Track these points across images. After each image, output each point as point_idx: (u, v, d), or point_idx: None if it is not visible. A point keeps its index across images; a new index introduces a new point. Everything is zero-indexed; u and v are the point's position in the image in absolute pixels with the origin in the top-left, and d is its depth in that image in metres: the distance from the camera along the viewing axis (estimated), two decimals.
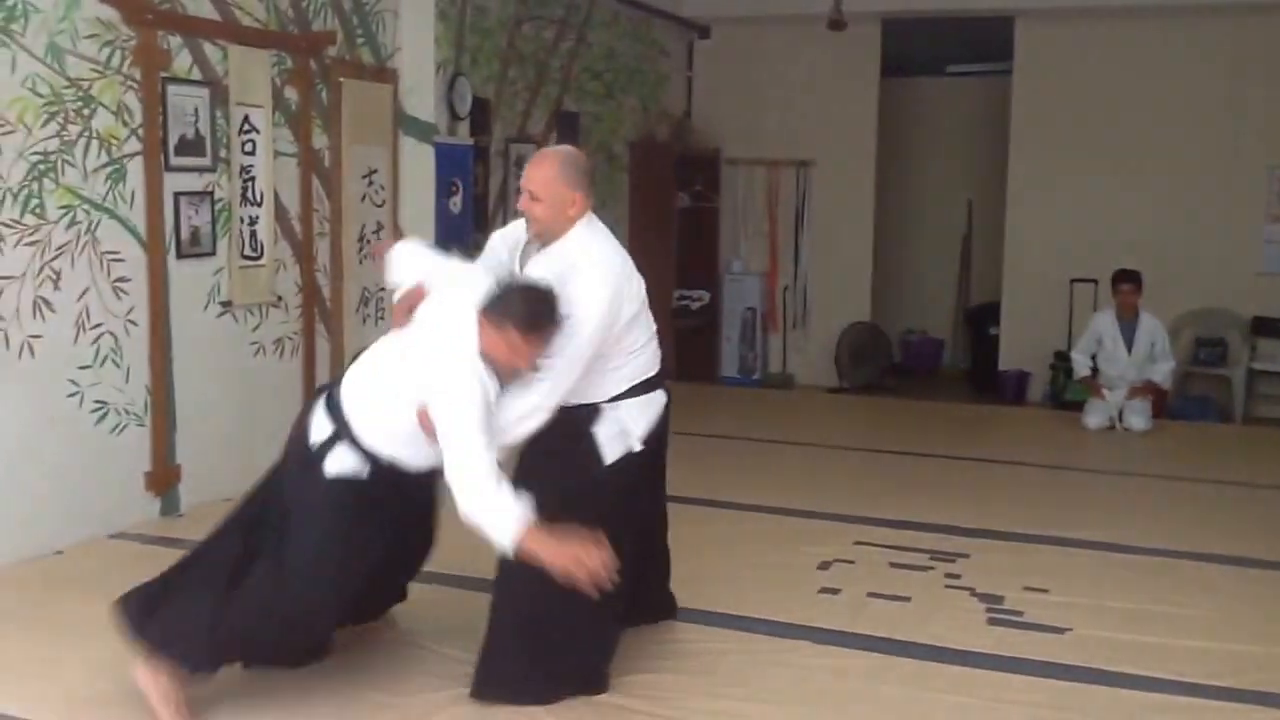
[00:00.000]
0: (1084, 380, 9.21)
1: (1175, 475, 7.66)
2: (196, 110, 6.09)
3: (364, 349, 4.25)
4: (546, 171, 4.07)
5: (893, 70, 11.56)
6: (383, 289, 7.50)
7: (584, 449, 4.07)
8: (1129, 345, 8.98)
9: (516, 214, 4.30)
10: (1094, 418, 9.01)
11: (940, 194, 12.30)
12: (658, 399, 4.25)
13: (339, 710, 3.95)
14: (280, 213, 6.70)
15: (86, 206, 5.55)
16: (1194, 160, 10.38)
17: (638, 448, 4.15)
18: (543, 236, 4.11)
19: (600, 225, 4.19)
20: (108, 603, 4.88)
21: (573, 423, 4.05)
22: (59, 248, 5.43)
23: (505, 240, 4.43)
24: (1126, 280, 8.98)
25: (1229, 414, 10.18)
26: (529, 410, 3.91)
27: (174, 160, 5.98)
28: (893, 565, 5.62)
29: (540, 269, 4.04)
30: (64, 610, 4.80)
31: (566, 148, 4.46)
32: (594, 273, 4.00)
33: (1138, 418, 8.89)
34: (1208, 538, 6.15)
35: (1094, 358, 9.11)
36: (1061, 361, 10.36)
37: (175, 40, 5.98)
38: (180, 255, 6.06)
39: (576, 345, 3.90)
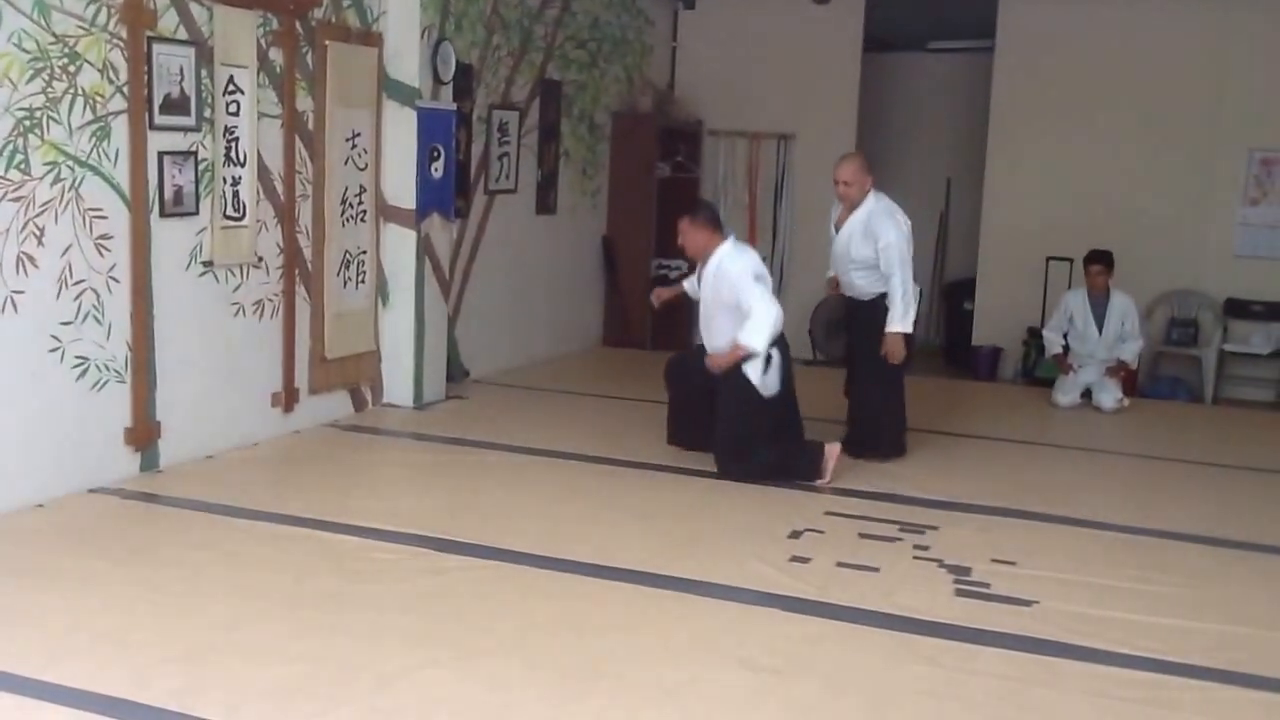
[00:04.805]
0: (1055, 358, 9.33)
1: (1144, 453, 7.77)
2: (182, 70, 6.09)
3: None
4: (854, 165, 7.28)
5: (875, 45, 11.60)
6: (363, 252, 7.54)
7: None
8: (1100, 324, 9.10)
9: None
10: (1064, 395, 9.13)
11: (919, 170, 12.34)
12: None
13: (311, 669, 4.00)
14: (263, 174, 6.71)
15: (71, 163, 5.56)
16: (1173, 141, 10.45)
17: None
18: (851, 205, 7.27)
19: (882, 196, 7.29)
20: (88, 556, 4.96)
21: None
22: (43, 204, 5.44)
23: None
24: (1097, 261, 9.09)
25: (1199, 394, 10.29)
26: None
27: (158, 119, 5.98)
28: (862, 536, 5.71)
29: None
30: (44, 562, 4.85)
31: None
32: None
33: (1107, 396, 9.01)
34: (1176, 516, 6.26)
35: (1066, 336, 9.22)
36: (1034, 338, 10.45)
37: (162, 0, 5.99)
38: (163, 214, 6.08)
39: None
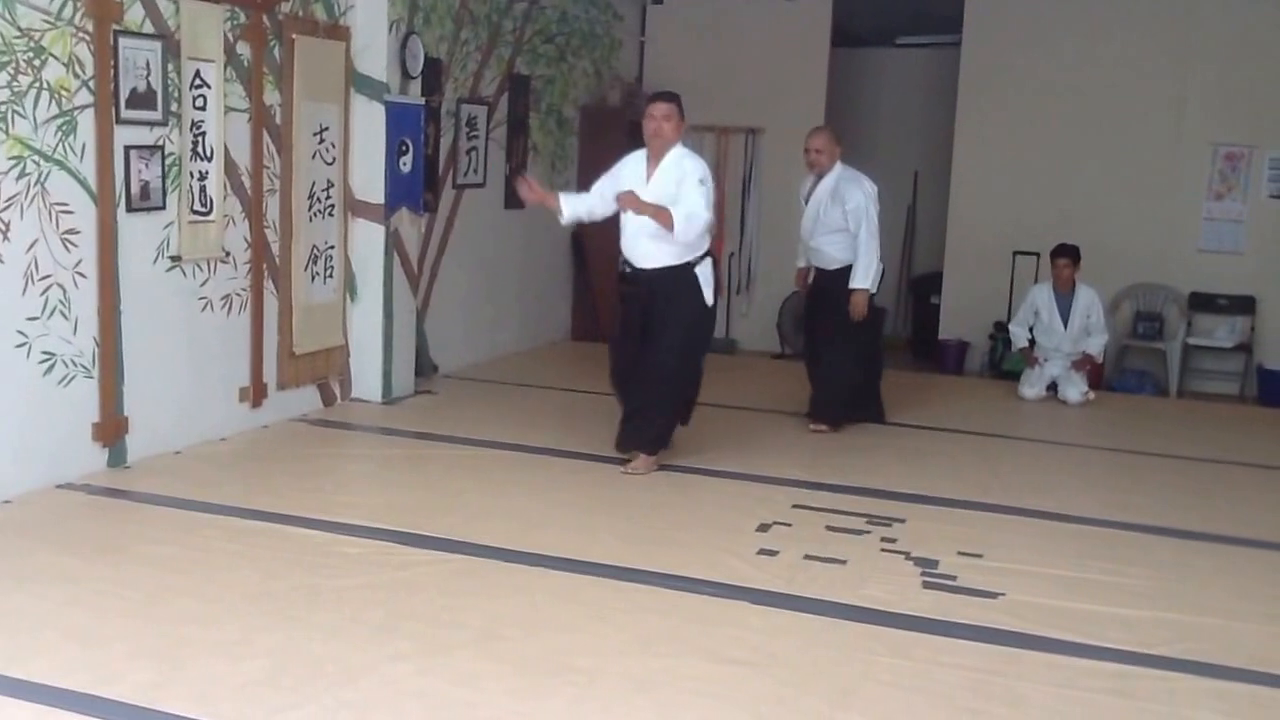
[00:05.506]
0: (1021, 351, 9.41)
1: (1109, 446, 7.84)
2: (148, 64, 6.06)
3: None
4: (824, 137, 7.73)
5: (843, 40, 11.63)
6: (331, 246, 7.53)
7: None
8: (1065, 318, 9.18)
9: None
10: (1030, 388, 9.20)
11: (887, 164, 12.31)
12: None
13: (279, 663, 4.00)
14: (231, 168, 6.69)
15: (37, 158, 5.53)
16: (1138, 137, 10.52)
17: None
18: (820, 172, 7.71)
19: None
20: (55, 552, 4.93)
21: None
22: (8, 199, 5.40)
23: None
24: (1063, 255, 9.18)
25: (1165, 387, 10.37)
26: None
27: (125, 113, 5.95)
28: (830, 528, 5.74)
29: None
30: (10, 559, 4.83)
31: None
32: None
33: (1073, 389, 9.08)
34: (1141, 508, 6.32)
35: (1032, 329, 9.30)
36: (1000, 332, 10.52)
37: None
38: (130, 209, 6.05)
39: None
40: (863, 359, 7.85)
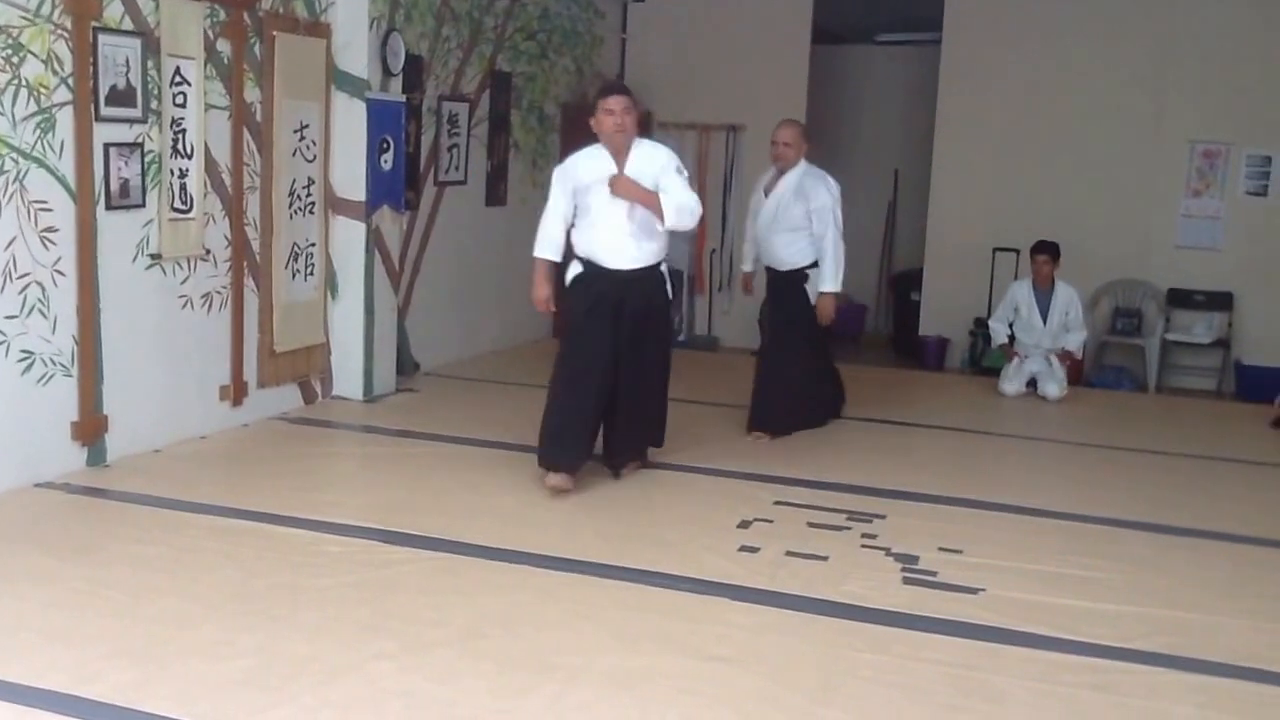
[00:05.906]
0: (1001, 347, 9.45)
1: (1088, 442, 7.86)
2: (128, 61, 6.04)
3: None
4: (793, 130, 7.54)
5: (823, 38, 11.65)
6: (312, 244, 7.51)
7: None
8: (1044, 314, 9.22)
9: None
10: (1010, 384, 9.23)
11: (867, 161, 12.41)
12: None
13: (261, 663, 4.00)
14: (211, 166, 6.67)
15: (15, 155, 5.50)
16: (1116, 134, 10.57)
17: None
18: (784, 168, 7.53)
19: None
20: (34, 552, 4.91)
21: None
22: None
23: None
24: (1042, 251, 9.22)
25: (1144, 383, 10.42)
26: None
27: (104, 111, 5.93)
28: (811, 525, 5.75)
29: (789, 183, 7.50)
30: None
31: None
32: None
33: (1053, 385, 9.12)
34: (1119, 503, 6.34)
35: (1011, 325, 9.34)
36: (981, 328, 10.55)
37: None
38: (110, 207, 6.03)
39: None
40: (813, 364, 7.77)
